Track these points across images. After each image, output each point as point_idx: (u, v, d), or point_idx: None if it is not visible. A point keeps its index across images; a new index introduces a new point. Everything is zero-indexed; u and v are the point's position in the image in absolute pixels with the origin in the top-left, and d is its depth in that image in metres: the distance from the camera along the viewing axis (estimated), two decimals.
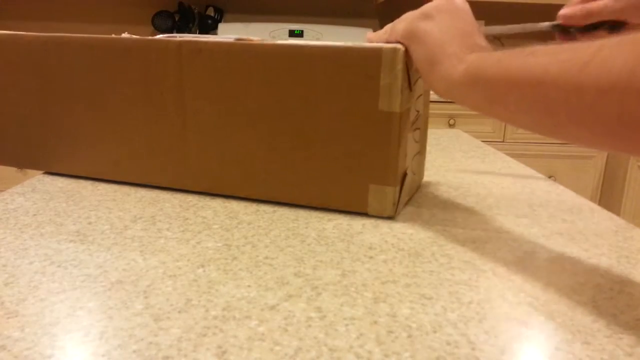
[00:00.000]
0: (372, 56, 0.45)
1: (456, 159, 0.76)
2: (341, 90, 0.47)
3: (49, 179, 0.58)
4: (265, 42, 0.49)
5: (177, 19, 2.25)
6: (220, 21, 2.33)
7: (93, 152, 0.57)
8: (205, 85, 0.51)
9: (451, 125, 2.01)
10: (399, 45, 0.45)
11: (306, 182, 0.50)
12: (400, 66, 0.45)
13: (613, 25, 0.53)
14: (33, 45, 0.55)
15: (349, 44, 0.47)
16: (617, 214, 2.05)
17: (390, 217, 0.49)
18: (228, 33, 2.18)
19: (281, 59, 0.48)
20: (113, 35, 0.57)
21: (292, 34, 2.24)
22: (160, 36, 0.55)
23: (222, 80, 0.50)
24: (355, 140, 0.47)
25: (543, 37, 0.40)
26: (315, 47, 0.47)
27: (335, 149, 0.48)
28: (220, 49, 0.49)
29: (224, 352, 0.27)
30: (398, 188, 0.49)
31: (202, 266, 0.37)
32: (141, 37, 0.52)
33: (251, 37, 0.54)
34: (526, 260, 0.40)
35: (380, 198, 0.48)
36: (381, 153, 0.47)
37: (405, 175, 0.50)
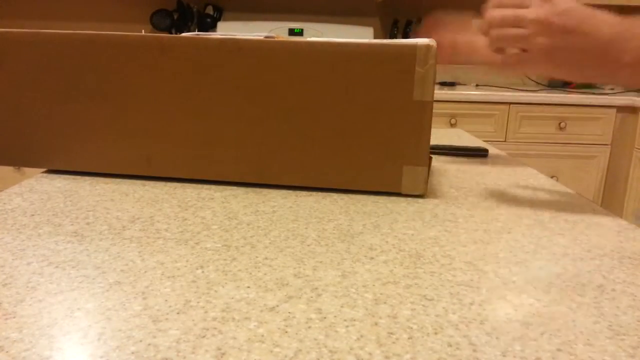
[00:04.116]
0: (408, 52, 0.50)
1: (457, 159, 0.76)
2: (378, 84, 0.51)
3: (46, 179, 0.57)
4: (294, 39, 0.53)
5: (175, 17, 2.25)
6: (219, 20, 2.33)
7: (121, 149, 0.57)
8: (245, 81, 0.53)
9: (452, 125, 2.01)
10: (432, 42, 0.50)
11: (344, 168, 0.54)
12: (432, 61, 0.50)
13: None
14: (57, 42, 0.55)
15: (384, 41, 0.52)
16: (620, 214, 2.06)
17: (421, 195, 0.55)
18: (227, 32, 2.18)
19: (320, 56, 0.52)
20: (143, 32, 0.57)
21: (292, 32, 2.24)
22: (187, 34, 0.55)
23: (261, 76, 0.53)
24: (390, 128, 0.52)
25: None
26: (353, 45, 0.51)
27: (372, 137, 0.53)
28: (260, 46, 0.52)
29: (223, 354, 0.27)
30: (427, 168, 0.54)
31: (201, 267, 0.37)
32: (176, 35, 0.54)
33: (280, 35, 0.56)
34: (528, 261, 0.40)
35: (413, 178, 0.54)
36: (415, 137, 0.52)
37: (430, 157, 0.56)
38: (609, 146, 1.97)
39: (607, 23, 0.46)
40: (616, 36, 0.45)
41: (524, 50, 0.49)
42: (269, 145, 0.54)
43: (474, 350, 0.28)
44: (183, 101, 0.54)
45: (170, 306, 0.31)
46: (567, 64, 0.48)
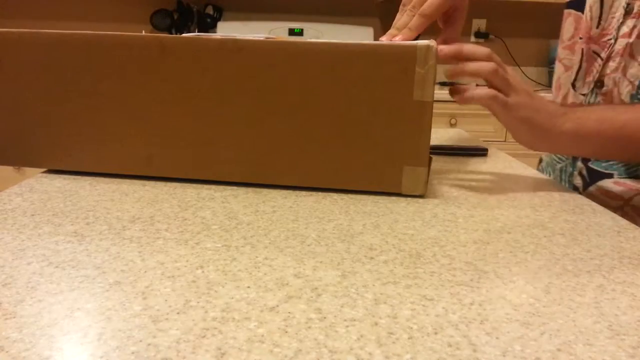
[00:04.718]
0: (408, 52, 0.50)
1: (457, 158, 0.76)
2: (378, 84, 0.51)
3: (46, 179, 0.57)
4: (294, 39, 0.53)
5: (175, 17, 2.25)
6: (219, 19, 2.33)
7: (122, 148, 0.57)
8: (246, 81, 0.53)
9: (452, 125, 2.01)
10: (432, 43, 0.50)
11: (344, 169, 0.54)
12: (432, 62, 0.50)
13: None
14: (56, 42, 0.55)
15: (385, 41, 0.52)
16: None
17: (421, 195, 0.55)
18: (227, 32, 2.18)
19: (320, 56, 0.51)
20: (144, 33, 0.57)
21: (292, 32, 2.24)
22: (188, 34, 0.55)
23: (262, 76, 0.53)
24: (390, 128, 0.52)
25: None
26: (353, 45, 0.51)
27: (372, 137, 0.53)
28: (261, 46, 0.52)
29: (223, 354, 0.27)
30: (427, 168, 0.53)
31: (201, 267, 0.37)
32: (176, 36, 0.54)
33: (280, 36, 0.56)
34: (528, 261, 0.40)
35: (413, 178, 0.53)
36: (415, 138, 0.52)
37: (430, 157, 0.57)
38: None
39: (549, 100, 0.57)
40: (558, 110, 0.56)
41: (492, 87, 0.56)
42: (269, 146, 0.54)
43: (474, 350, 0.28)
44: (183, 101, 0.54)
45: (170, 306, 0.31)
46: (525, 122, 0.56)
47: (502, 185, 0.61)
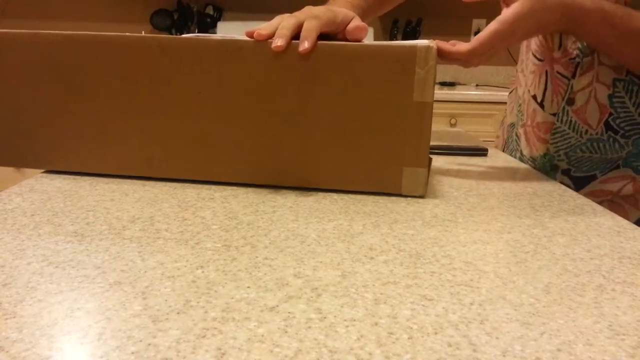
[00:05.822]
0: (408, 53, 0.50)
1: (457, 158, 0.76)
2: (378, 85, 0.51)
3: (46, 179, 0.57)
4: (294, 40, 0.52)
5: (175, 17, 2.25)
6: (219, 20, 2.33)
7: (122, 149, 0.57)
8: (245, 82, 0.53)
9: (452, 125, 2.01)
10: (432, 43, 0.50)
11: (343, 170, 0.54)
12: (432, 62, 0.50)
13: None
14: (56, 43, 0.55)
15: (385, 42, 0.52)
16: None
17: (421, 196, 0.55)
18: (227, 32, 2.18)
19: (320, 57, 0.51)
20: (144, 33, 0.57)
21: None
22: (187, 35, 0.55)
23: (261, 77, 0.53)
24: (391, 129, 0.52)
25: None
26: (353, 45, 0.51)
27: (372, 138, 0.53)
28: (261, 46, 0.52)
29: (223, 354, 0.27)
30: (427, 169, 0.53)
31: (201, 267, 0.37)
32: (176, 36, 0.54)
33: None
34: (528, 261, 0.40)
35: (413, 179, 0.53)
36: (415, 139, 0.52)
37: (430, 158, 0.57)
38: None
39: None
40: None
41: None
42: (269, 147, 0.54)
43: (474, 350, 0.28)
44: (183, 102, 0.54)
45: (170, 306, 0.31)
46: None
47: (502, 185, 0.61)
